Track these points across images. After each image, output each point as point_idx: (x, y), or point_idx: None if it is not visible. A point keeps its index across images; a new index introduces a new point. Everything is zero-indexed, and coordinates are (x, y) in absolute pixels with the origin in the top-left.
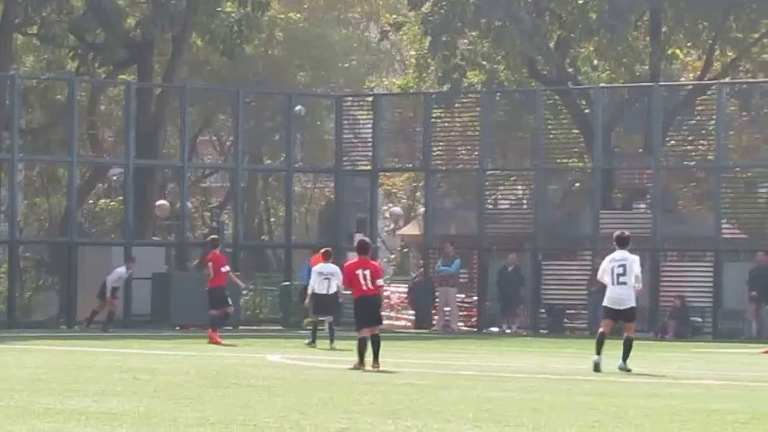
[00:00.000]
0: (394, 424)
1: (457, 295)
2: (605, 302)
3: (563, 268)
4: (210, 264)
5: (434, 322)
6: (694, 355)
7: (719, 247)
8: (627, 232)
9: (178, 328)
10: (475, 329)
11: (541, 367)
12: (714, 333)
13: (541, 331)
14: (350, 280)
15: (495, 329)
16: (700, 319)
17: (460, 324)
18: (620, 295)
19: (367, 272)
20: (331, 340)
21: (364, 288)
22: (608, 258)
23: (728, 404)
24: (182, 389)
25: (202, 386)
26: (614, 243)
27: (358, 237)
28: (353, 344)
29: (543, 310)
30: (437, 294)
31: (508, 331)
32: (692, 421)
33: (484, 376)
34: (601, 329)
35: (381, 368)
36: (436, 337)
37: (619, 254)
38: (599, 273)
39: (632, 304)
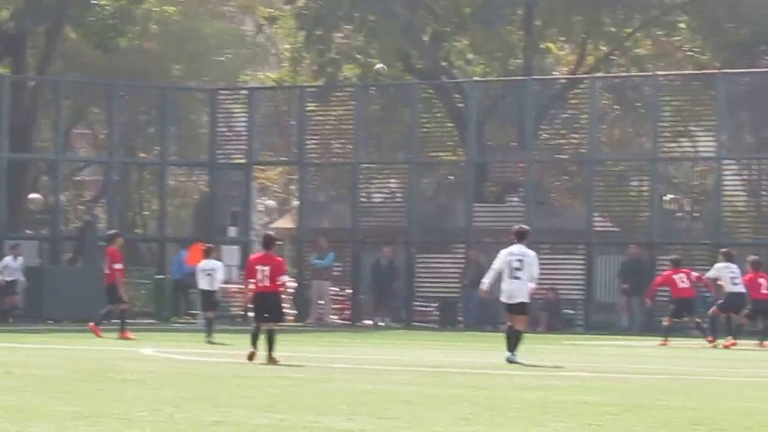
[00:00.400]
0: (267, 417)
1: (331, 288)
2: (501, 297)
3: (437, 261)
4: (107, 259)
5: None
6: (567, 347)
7: (591, 240)
8: (527, 227)
9: (51, 321)
10: (348, 322)
11: (417, 359)
12: (586, 325)
13: (417, 323)
14: (249, 274)
15: (368, 322)
16: (572, 312)
17: (333, 317)
18: (512, 290)
19: (267, 268)
20: (208, 335)
21: (261, 284)
22: (506, 251)
23: (600, 396)
24: (55, 383)
25: (75, 380)
26: (513, 236)
27: (233, 230)
28: (232, 338)
29: (436, 304)
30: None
31: (381, 324)
32: (565, 413)
33: (358, 369)
34: (508, 324)
35: (278, 362)
36: (310, 330)
37: (517, 248)
38: (494, 264)
39: (523, 299)
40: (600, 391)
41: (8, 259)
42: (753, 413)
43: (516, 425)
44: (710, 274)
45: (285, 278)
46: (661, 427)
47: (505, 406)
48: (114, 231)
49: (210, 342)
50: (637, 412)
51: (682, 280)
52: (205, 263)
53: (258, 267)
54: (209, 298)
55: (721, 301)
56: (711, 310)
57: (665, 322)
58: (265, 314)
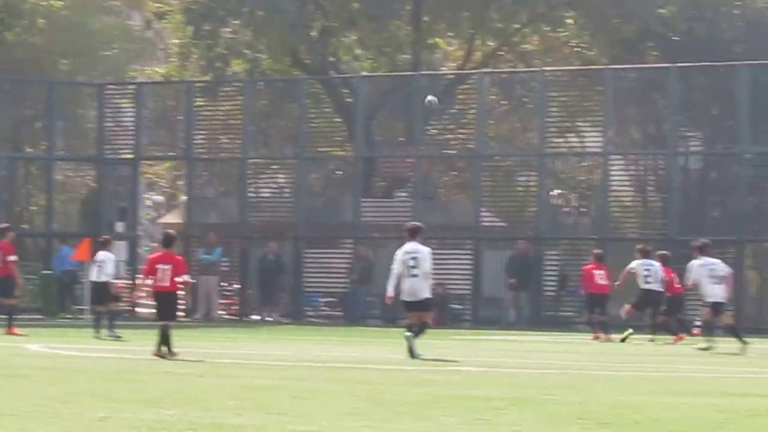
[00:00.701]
0: (155, 412)
1: (220, 284)
2: (402, 296)
3: (325, 256)
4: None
5: None
6: (454, 342)
7: (479, 235)
8: (419, 223)
9: None
10: (236, 317)
11: (304, 355)
12: (473, 320)
13: (307, 319)
14: (149, 272)
15: (256, 317)
16: (459, 307)
17: (221, 312)
18: (413, 288)
19: (168, 267)
20: (97, 330)
21: (161, 283)
22: (401, 251)
23: (487, 390)
24: None
25: None
26: (406, 234)
27: (121, 225)
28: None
29: (335, 299)
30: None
31: (269, 319)
32: (453, 408)
33: (246, 365)
34: (408, 322)
35: (161, 355)
36: (198, 325)
37: (411, 246)
38: (394, 264)
39: (425, 295)
40: (487, 386)
41: None
42: (641, 407)
43: (403, 420)
44: (629, 267)
45: (186, 277)
46: (549, 421)
47: (392, 400)
48: (5, 224)
49: (99, 337)
50: (524, 406)
51: (601, 276)
52: (98, 255)
53: (159, 266)
54: (101, 291)
55: (635, 299)
56: (625, 308)
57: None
58: (163, 312)
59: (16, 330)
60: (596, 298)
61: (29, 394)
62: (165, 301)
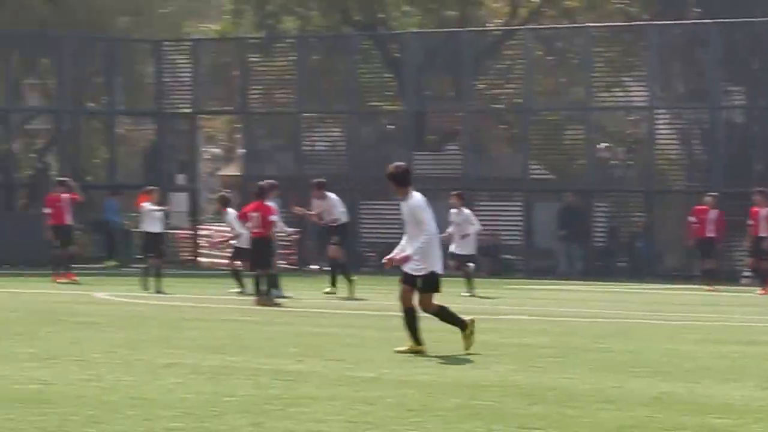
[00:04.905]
0: (219, 359)
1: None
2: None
3: (378, 208)
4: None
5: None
6: (507, 291)
7: (528, 187)
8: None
9: (6, 266)
10: (294, 267)
11: (360, 304)
12: (526, 270)
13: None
14: (242, 218)
15: (314, 267)
16: (512, 257)
17: (280, 262)
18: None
19: (258, 215)
20: (145, 281)
21: (255, 230)
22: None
23: (540, 339)
24: (13, 326)
25: (32, 323)
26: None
27: (181, 178)
28: (180, 282)
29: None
30: None
31: (326, 269)
32: (506, 356)
33: (305, 313)
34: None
35: (264, 304)
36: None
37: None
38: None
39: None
40: (540, 335)
41: None
42: (692, 356)
43: (460, 367)
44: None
45: (275, 218)
46: (601, 369)
47: (451, 349)
48: (65, 178)
49: (146, 288)
50: (576, 354)
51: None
52: (148, 206)
53: (251, 213)
54: (154, 241)
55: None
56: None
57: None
58: (259, 259)
59: (68, 277)
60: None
61: (98, 341)
62: (259, 249)
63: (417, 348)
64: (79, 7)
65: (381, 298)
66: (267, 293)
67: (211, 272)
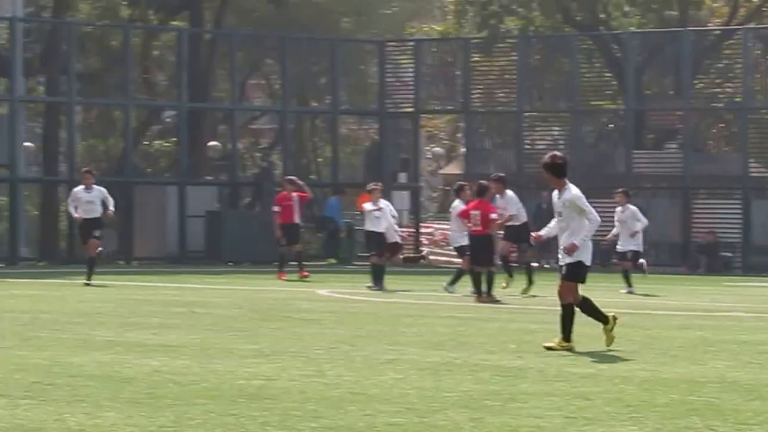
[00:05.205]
0: (439, 355)
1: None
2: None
3: (598, 207)
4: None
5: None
6: (725, 288)
7: (747, 185)
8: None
9: (230, 263)
10: (514, 264)
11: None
12: (744, 267)
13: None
14: (463, 216)
15: (534, 264)
16: (730, 254)
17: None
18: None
19: (479, 213)
20: (375, 281)
21: (475, 228)
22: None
23: (758, 335)
24: (236, 322)
25: (255, 319)
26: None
27: (403, 176)
28: (409, 280)
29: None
30: None
31: (546, 266)
32: (724, 352)
33: (522, 309)
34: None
35: (485, 301)
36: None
37: None
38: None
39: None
40: (758, 331)
41: (78, 189)
42: None
43: (678, 363)
44: None
45: (495, 216)
46: None
47: (667, 345)
48: (291, 177)
49: (370, 288)
50: None
51: None
52: (368, 206)
53: (472, 212)
54: (376, 240)
55: None
56: None
57: None
58: (480, 257)
59: (284, 276)
60: None
61: (320, 337)
62: (479, 246)
63: (566, 345)
64: (302, 8)
65: (597, 294)
66: (489, 291)
67: (428, 269)
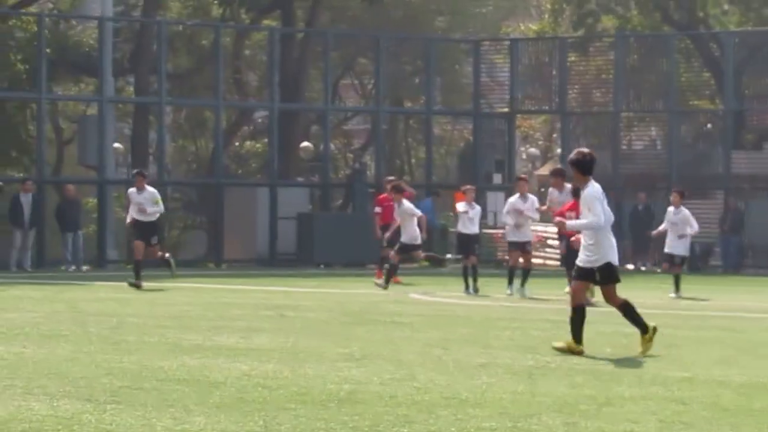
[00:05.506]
0: (533, 359)
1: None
2: None
3: (696, 207)
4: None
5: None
6: None
7: None
8: None
9: (322, 266)
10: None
11: (669, 303)
12: None
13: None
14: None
15: (630, 266)
16: None
17: None
18: None
19: (572, 215)
20: (475, 280)
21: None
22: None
23: None
24: (327, 326)
25: (346, 323)
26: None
27: (498, 177)
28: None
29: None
30: None
31: (642, 268)
32: None
33: (613, 313)
34: None
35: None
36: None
37: None
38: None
39: None
40: None
41: (132, 191)
42: None
43: None
44: None
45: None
46: None
47: (763, 348)
48: (392, 178)
49: (468, 293)
50: None
51: None
52: (461, 207)
53: (568, 214)
54: (467, 242)
55: None
56: None
57: None
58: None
59: (382, 274)
60: None
61: (412, 341)
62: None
63: (575, 348)
64: (396, 7)
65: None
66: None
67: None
